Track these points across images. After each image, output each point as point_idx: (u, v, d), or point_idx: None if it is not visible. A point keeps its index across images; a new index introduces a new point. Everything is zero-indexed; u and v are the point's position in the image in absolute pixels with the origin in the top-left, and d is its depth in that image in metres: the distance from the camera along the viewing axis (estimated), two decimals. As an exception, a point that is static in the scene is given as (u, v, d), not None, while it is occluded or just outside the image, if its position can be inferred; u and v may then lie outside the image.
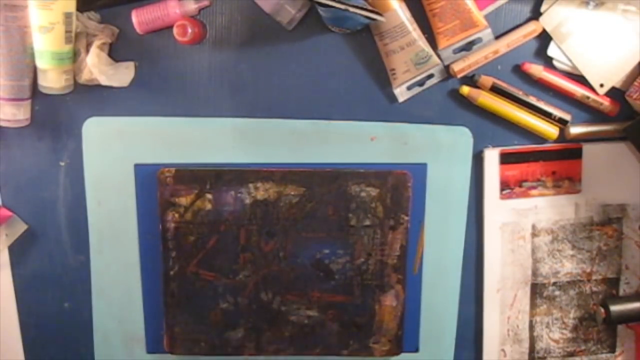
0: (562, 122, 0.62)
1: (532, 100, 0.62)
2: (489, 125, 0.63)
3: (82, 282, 0.64)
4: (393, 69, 0.61)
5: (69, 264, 0.65)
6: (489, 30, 0.60)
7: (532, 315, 0.67)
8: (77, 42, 0.60)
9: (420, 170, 0.64)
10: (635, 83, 0.60)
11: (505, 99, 0.62)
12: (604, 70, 0.61)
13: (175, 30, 0.59)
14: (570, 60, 0.61)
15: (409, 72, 0.61)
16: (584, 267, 0.66)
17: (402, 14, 0.59)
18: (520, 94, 0.62)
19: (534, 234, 0.65)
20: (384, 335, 0.66)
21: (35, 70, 0.60)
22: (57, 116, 0.63)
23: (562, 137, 0.63)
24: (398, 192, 0.63)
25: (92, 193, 0.63)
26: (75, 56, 0.60)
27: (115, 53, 0.61)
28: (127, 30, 0.61)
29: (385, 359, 0.67)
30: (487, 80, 0.61)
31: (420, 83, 0.62)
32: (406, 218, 0.64)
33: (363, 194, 0.63)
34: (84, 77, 0.60)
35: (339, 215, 0.64)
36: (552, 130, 0.63)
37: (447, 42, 0.60)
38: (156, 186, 0.62)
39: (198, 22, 0.60)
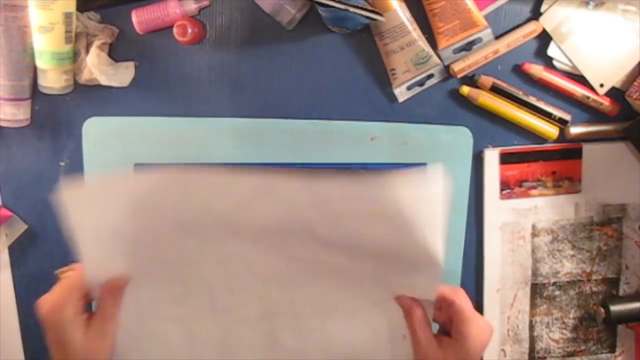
0: (562, 122, 0.62)
1: (532, 100, 0.62)
2: (489, 125, 0.63)
3: (82, 282, 0.64)
4: (393, 69, 0.61)
5: (69, 264, 0.65)
6: (489, 30, 0.60)
7: (532, 315, 0.67)
8: (77, 42, 0.60)
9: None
10: (635, 83, 0.60)
11: (505, 99, 0.62)
12: (604, 70, 0.61)
13: (175, 30, 0.59)
14: (570, 60, 0.61)
15: (409, 72, 0.61)
16: (584, 267, 0.66)
17: (402, 14, 0.59)
18: (520, 94, 0.62)
19: (534, 234, 0.65)
20: (384, 335, 0.66)
21: (35, 70, 0.60)
22: (57, 116, 0.63)
23: (562, 137, 0.64)
24: (398, 192, 0.63)
25: (92, 193, 0.63)
26: (75, 56, 0.60)
27: (115, 53, 0.61)
28: (127, 30, 0.61)
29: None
30: (487, 80, 0.61)
31: (420, 83, 0.62)
32: (406, 218, 0.64)
33: (363, 194, 0.63)
34: (84, 77, 0.60)
35: (339, 215, 0.64)
36: (552, 130, 0.63)
37: (447, 42, 0.60)
38: (156, 186, 0.62)
39: (198, 22, 0.60)
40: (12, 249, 0.65)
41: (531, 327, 0.67)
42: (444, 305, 0.54)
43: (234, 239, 0.56)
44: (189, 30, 0.58)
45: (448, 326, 0.53)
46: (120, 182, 0.54)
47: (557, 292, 0.67)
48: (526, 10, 0.61)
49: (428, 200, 0.51)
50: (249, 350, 0.57)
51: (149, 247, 0.56)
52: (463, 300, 0.52)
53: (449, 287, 0.53)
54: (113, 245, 0.55)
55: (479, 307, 0.67)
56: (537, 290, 0.66)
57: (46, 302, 0.52)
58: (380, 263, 0.55)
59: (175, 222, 0.55)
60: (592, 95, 0.62)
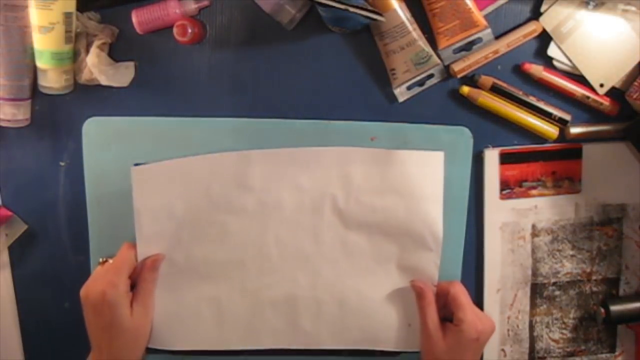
0: (562, 122, 0.62)
1: (532, 100, 0.62)
2: (489, 125, 0.63)
3: (82, 282, 0.64)
4: (393, 69, 0.61)
5: (69, 264, 0.65)
6: (489, 30, 0.60)
7: (532, 315, 0.67)
8: (77, 42, 0.60)
9: (420, 170, 0.64)
10: (635, 83, 0.60)
11: (505, 99, 0.62)
12: (604, 70, 0.61)
13: (175, 30, 0.59)
14: (570, 60, 0.61)
15: (409, 72, 0.61)
16: (584, 267, 0.66)
17: (402, 14, 0.59)
18: (520, 94, 0.62)
19: (534, 234, 0.65)
20: (384, 335, 0.67)
21: (35, 70, 0.60)
22: (57, 116, 0.63)
23: (562, 137, 0.64)
24: (398, 192, 0.64)
25: (92, 193, 0.63)
26: (75, 56, 0.60)
27: (115, 53, 0.61)
28: (127, 30, 0.61)
29: (386, 358, 0.67)
30: (487, 80, 0.61)
31: (420, 83, 0.62)
32: (406, 218, 0.64)
33: (363, 193, 0.64)
34: (84, 77, 0.60)
35: (339, 215, 0.65)
36: (552, 130, 0.63)
37: (447, 42, 0.60)
38: (156, 186, 0.62)
39: (198, 22, 0.60)
40: (12, 249, 0.65)
41: (531, 327, 0.67)
42: (442, 297, 0.61)
43: (269, 219, 0.62)
44: (189, 30, 0.58)
45: (449, 317, 0.60)
46: (180, 165, 0.60)
47: (557, 292, 0.67)
48: (526, 10, 0.61)
49: (431, 178, 0.61)
50: (270, 332, 0.62)
51: (193, 228, 0.62)
52: (458, 290, 0.60)
53: (446, 281, 0.62)
54: (165, 225, 0.61)
55: (479, 307, 0.67)
56: (537, 290, 0.66)
57: (98, 284, 0.56)
58: (392, 241, 0.62)
59: (216, 202, 0.61)
60: (592, 95, 0.62)
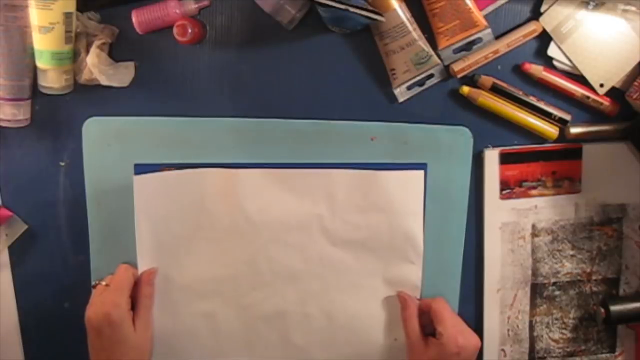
0: (562, 122, 0.62)
1: (532, 100, 0.62)
2: (489, 125, 0.63)
3: (82, 282, 0.64)
4: (393, 69, 0.61)
5: (69, 264, 0.65)
6: (489, 30, 0.60)
7: (532, 315, 0.67)
8: (77, 42, 0.60)
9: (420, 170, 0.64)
10: (635, 83, 0.60)
11: (505, 99, 0.62)
12: (604, 70, 0.61)
13: (175, 30, 0.59)
14: (570, 60, 0.61)
15: (409, 72, 0.61)
16: (584, 267, 0.66)
17: (402, 14, 0.59)
18: (520, 94, 0.62)
19: (534, 234, 0.65)
20: (384, 335, 0.67)
21: (35, 70, 0.60)
22: (57, 116, 0.63)
23: (562, 137, 0.64)
24: (398, 192, 0.64)
25: (92, 193, 0.63)
26: (75, 56, 0.60)
27: (115, 53, 0.61)
28: (127, 30, 0.61)
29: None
30: (487, 80, 0.61)
31: (420, 83, 0.62)
32: (406, 218, 0.64)
33: (363, 193, 0.64)
34: (84, 77, 0.60)
35: (339, 215, 0.65)
36: (552, 130, 0.63)
37: (447, 42, 0.60)
38: (156, 186, 0.62)
39: (198, 22, 0.60)
40: (12, 249, 0.65)
41: (531, 327, 0.67)
42: (427, 312, 0.62)
43: (260, 238, 0.63)
44: (189, 30, 0.58)
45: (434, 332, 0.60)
46: (176, 177, 0.61)
47: (557, 292, 0.67)
48: (526, 10, 0.61)
49: (411, 196, 0.63)
50: (264, 346, 0.64)
51: (188, 245, 0.62)
52: (440, 305, 0.61)
53: (430, 298, 0.63)
54: (163, 239, 0.62)
55: (479, 307, 0.67)
56: (537, 290, 0.66)
57: (100, 307, 0.57)
58: (377, 256, 0.64)
59: (209, 219, 0.62)
60: (592, 95, 0.62)
